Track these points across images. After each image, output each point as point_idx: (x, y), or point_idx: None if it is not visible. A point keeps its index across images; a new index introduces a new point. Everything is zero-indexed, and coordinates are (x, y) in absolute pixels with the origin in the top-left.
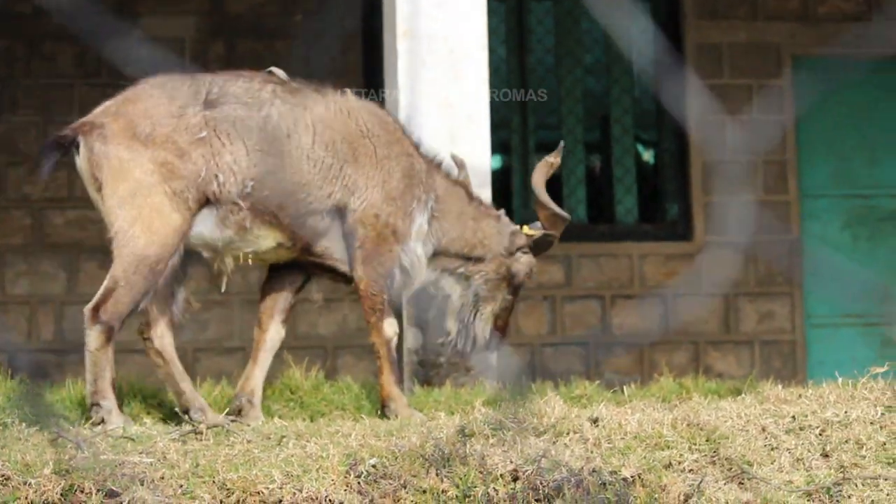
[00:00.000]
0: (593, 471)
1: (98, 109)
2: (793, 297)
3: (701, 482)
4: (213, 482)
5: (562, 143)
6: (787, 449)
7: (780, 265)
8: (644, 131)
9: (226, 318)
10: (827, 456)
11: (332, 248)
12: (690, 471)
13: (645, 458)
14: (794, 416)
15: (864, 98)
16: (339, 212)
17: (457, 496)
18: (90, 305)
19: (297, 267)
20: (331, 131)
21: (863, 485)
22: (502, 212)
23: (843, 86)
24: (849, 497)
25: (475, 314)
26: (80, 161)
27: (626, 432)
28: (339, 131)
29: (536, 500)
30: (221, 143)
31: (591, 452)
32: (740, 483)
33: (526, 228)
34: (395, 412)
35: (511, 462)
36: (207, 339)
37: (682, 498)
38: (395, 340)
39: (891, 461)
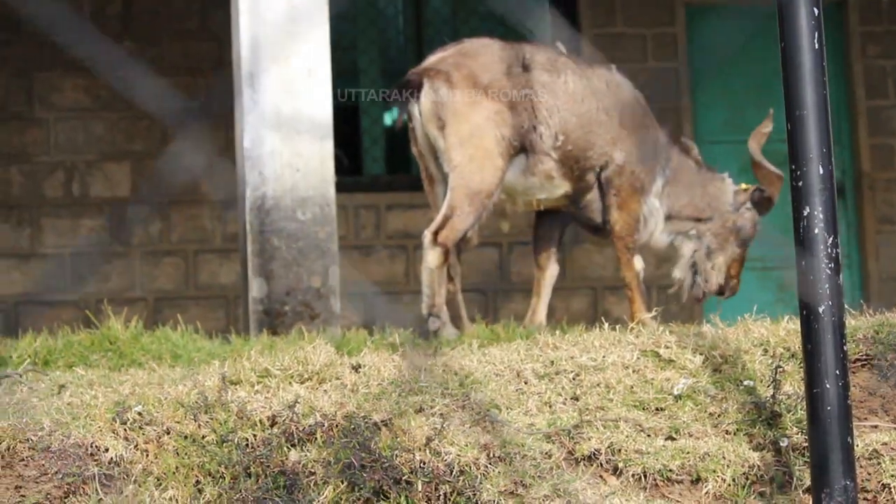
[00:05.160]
0: (346, 416)
1: (433, 58)
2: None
3: (443, 425)
4: None
5: (771, 111)
6: (538, 393)
7: None
8: None
9: (128, 270)
10: (577, 399)
11: (593, 200)
12: (441, 415)
13: (398, 402)
14: (552, 361)
15: (756, 45)
16: (602, 168)
17: (216, 441)
18: (431, 229)
19: (559, 215)
20: (606, 99)
21: (603, 427)
22: (726, 174)
23: (736, 33)
24: (588, 439)
25: (709, 265)
26: (424, 102)
27: (383, 378)
28: (611, 100)
29: (291, 445)
30: (539, 100)
31: (347, 398)
32: (485, 426)
33: (743, 185)
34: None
35: (270, 408)
36: (110, 290)
37: (423, 441)
38: (642, 274)
39: (636, 404)
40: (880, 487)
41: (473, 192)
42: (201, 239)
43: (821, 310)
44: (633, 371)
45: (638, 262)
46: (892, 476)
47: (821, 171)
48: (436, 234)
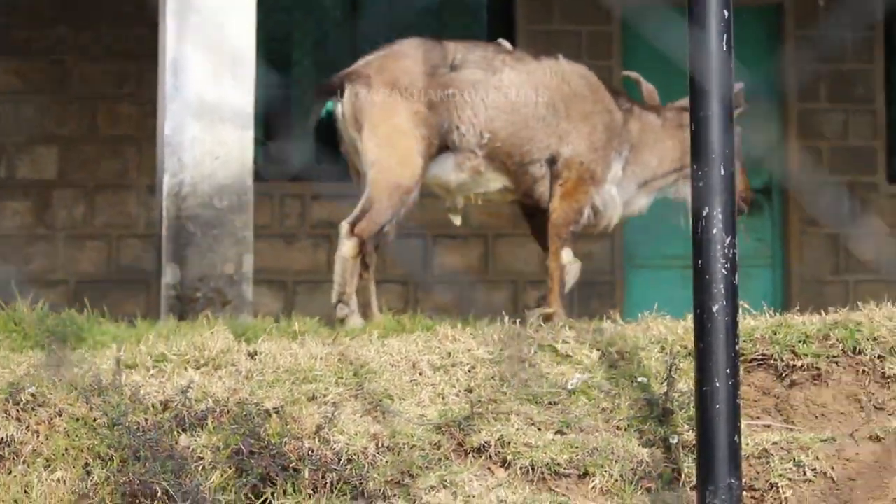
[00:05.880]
0: (239, 402)
1: (361, 62)
2: (613, 240)
3: (334, 414)
4: None
5: None
6: (432, 384)
7: None
8: None
9: (50, 253)
10: (470, 392)
11: (546, 193)
12: (333, 404)
13: (291, 390)
14: (449, 353)
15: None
16: (552, 160)
17: (107, 424)
18: (348, 221)
19: (543, 212)
20: (549, 92)
21: (494, 419)
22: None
23: (671, 32)
24: (479, 431)
25: None
26: (344, 104)
27: (279, 366)
28: (556, 92)
29: (182, 429)
30: (464, 100)
31: (241, 384)
32: (376, 416)
33: None
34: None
35: (163, 393)
36: (31, 272)
37: (314, 429)
38: (567, 268)
39: (529, 398)
40: (768, 486)
41: (391, 188)
42: (125, 224)
43: (714, 309)
44: (530, 365)
45: (566, 255)
46: (781, 475)
47: (722, 172)
48: (353, 225)
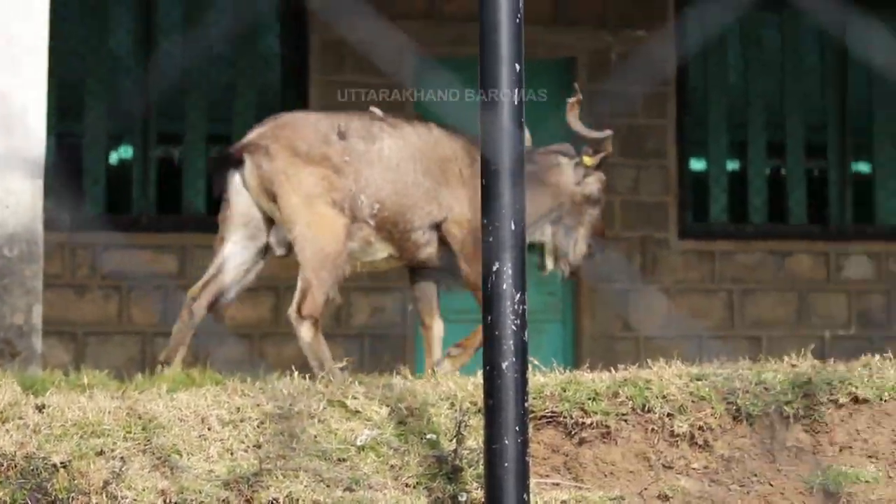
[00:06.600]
0: (26, 456)
1: (253, 134)
2: (404, 292)
3: (122, 469)
4: None
5: (576, 84)
6: (220, 440)
7: None
8: None
9: None
10: (259, 447)
11: (434, 254)
12: (121, 458)
13: (79, 445)
14: (238, 408)
15: None
16: (437, 225)
17: None
18: (293, 308)
19: (431, 273)
20: (426, 159)
21: (283, 476)
22: (560, 156)
23: (462, 84)
24: (267, 487)
25: (573, 242)
26: (248, 176)
27: (67, 419)
28: (432, 158)
29: None
30: (358, 169)
31: (29, 438)
32: (164, 472)
33: (587, 158)
34: (444, 369)
35: None
36: None
37: (101, 484)
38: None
39: (318, 454)
40: None
41: (322, 258)
42: None
43: (504, 366)
44: (319, 421)
45: None
46: None
47: (513, 228)
48: (299, 310)
